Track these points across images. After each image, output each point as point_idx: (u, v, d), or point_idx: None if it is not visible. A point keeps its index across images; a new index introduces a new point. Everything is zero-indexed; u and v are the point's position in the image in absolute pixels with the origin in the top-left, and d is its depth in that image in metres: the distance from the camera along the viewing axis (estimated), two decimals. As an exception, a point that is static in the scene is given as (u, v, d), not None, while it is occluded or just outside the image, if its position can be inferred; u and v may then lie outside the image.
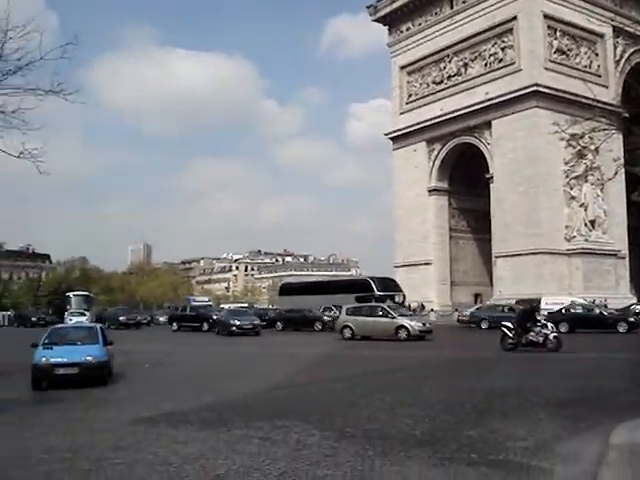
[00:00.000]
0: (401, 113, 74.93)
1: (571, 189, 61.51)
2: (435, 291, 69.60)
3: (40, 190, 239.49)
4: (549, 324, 24.50)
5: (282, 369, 19.95)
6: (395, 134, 74.96)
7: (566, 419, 10.55)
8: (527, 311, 25.66)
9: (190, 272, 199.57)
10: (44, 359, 15.51)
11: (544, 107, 59.49)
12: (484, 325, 42.47)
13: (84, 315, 53.35)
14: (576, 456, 8.21)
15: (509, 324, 24.83)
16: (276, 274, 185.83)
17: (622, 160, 35.99)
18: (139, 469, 7.82)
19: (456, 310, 56.63)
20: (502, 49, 63.89)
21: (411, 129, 72.24)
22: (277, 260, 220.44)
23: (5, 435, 10.36)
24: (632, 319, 37.03)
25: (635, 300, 55.27)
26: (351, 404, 12.54)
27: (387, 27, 77.71)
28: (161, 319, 66.78)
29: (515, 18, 62.34)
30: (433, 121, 69.36)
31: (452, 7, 68.93)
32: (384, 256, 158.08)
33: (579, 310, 38.86)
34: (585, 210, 61.79)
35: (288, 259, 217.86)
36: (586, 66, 64.31)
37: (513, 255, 60.80)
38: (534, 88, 59.81)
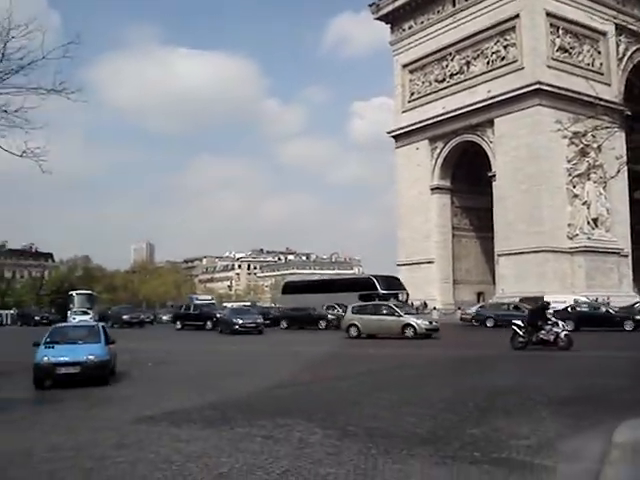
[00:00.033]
0: (403, 111, 74.88)
1: (574, 187, 61.43)
2: (438, 289, 69.57)
3: (43, 189, 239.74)
4: (560, 322, 24.16)
5: (286, 367, 19.93)
6: (397, 132, 74.91)
7: (569, 417, 10.56)
8: (538, 309, 25.33)
9: (193, 271, 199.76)
10: (46, 358, 15.48)
11: (547, 105, 59.42)
12: (489, 323, 42.45)
13: (87, 314, 53.36)
14: (579, 454, 8.21)
15: (520, 322, 24.60)
16: (278, 273, 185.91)
17: (625, 158, 36.05)
18: (141, 468, 7.83)
19: (459, 308, 56.65)
20: (504, 47, 63.81)
21: (413, 127, 72.19)
22: (279, 259, 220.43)
23: (7, 434, 10.37)
24: (639, 317, 36.91)
25: (638, 298, 55.21)
26: (354, 402, 12.54)
27: (389, 25, 77.64)
28: (164, 318, 66.86)
29: (517, 16, 62.24)
30: (435, 119, 69.29)
31: (454, 5, 68.87)
32: (387, 254, 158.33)
33: (585, 308, 38.83)
34: (588, 208, 61.72)
35: (290, 258, 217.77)
36: (589, 64, 64.24)
37: (516, 253, 60.74)
38: (537, 86, 59.73)
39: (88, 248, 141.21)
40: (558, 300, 44.42)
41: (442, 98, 69.43)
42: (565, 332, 23.69)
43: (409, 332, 31.98)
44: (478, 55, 66.32)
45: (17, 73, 17.36)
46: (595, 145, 51.93)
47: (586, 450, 8.32)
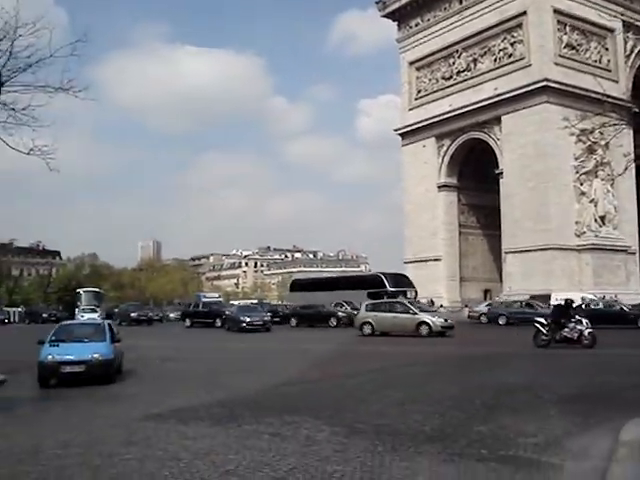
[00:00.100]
0: (410, 109, 74.74)
1: (581, 185, 61.22)
2: (444, 287, 69.46)
3: (50, 187, 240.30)
4: (584, 320, 23.74)
5: (294, 365, 19.95)
6: (404, 130, 74.76)
7: (576, 415, 10.54)
8: (561, 307, 24.96)
9: (200, 268, 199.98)
10: (50, 357, 15.46)
11: (554, 102, 59.23)
12: (502, 321, 42.30)
13: (95, 312, 53.57)
14: (586, 452, 8.20)
15: (542, 320, 24.32)
16: (285, 270, 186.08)
17: (632, 155, 35.95)
18: (149, 465, 7.87)
19: (466, 306, 56.57)
20: (511, 44, 63.60)
21: (420, 125, 72.06)
22: (286, 256, 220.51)
23: (16, 431, 10.42)
24: None
25: (646, 296, 55.02)
26: (361, 400, 12.56)
27: (396, 23, 77.45)
28: (171, 315, 66.92)
29: (525, 13, 62.03)
30: (442, 117, 69.13)
31: (461, 2, 68.65)
32: (393, 252, 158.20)
33: (599, 306, 38.79)
34: (595, 206, 61.51)
35: (297, 255, 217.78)
36: (596, 61, 63.99)
37: (523, 251, 60.59)
38: (544, 83, 59.54)
39: (95, 246, 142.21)
40: (565, 298, 44.43)
41: (449, 95, 69.26)
42: (589, 330, 23.28)
43: (424, 330, 31.68)
44: (485, 52, 66.13)
45: (25, 71, 17.41)
46: (603, 142, 51.85)
47: (593, 448, 8.31)
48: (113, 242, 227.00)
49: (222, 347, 30.08)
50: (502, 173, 63.73)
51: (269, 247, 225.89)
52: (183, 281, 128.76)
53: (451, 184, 71.24)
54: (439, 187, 70.97)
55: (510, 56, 63.67)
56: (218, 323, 46.18)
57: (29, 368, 16.17)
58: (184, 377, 17.89)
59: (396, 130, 76.42)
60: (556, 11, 61.55)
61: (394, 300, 39.56)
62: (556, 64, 61.21)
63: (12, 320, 68.31)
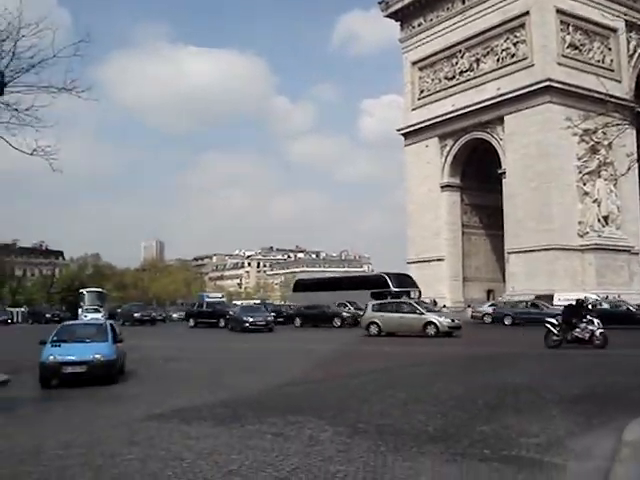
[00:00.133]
0: (413, 109, 74.83)
1: (584, 185, 61.26)
2: (447, 287, 69.53)
3: (52, 187, 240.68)
4: (595, 320, 23.45)
5: (297, 365, 19.93)
6: (407, 130, 74.84)
7: (579, 415, 10.53)
8: (573, 307, 24.61)
9: (202, 269, 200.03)
10: (52, 357, 15.39)
11: (557, 102, 59.25)
12: (507, 321, 42.24)
13: (99, 312, 53.70)
14: (589, 452, 8.19)
15: (554, 320, 24.09)
16: (288, 270, 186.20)
17: (635, 155, 35.86)
18: (152, 465, 7.86)
19: (469, 306, 56.56)
20: (514, 44, 63.64)
21: (423, 125, 72.16)
22: (289, 256, 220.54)
23: (17, 432, 10.41)
24: None
25: (649, 296, 54.99)
26: (364, 400, 12.54)
27: (399, 23, 77.58)
28: (174, 315, 67.06)
29: (527, 13, 62.09)
30: (445, 117, 69.22)
31: (464, 2, 68.73)
32: (396, 252, 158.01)
33: (606, 306, 38.75)
34: (598, 206, 61.55)
35: (300, 255, 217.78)
36: (599, 61, 64.04)
37: (526, 251, 60.62)
38: (547, 83, 59.57)
39: (98, 246, 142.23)
40: (568, 298, 44.41)
41: (452, 96, 69.34)
42: (600, 330, 23.02)
43: (431, 330, 31.57)
44: (488, 52, 66.18)
45: (28, 72, 17.37)
46: (606, 142, 51.81)
47: (596, 448, 8.30)
48: (116, 242, 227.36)
49: (225, 347, 30.08)
50: (505, 173, 63.78)
51: (272, 247, 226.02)
52: (186, 281, 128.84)
53: (454, 184, 71.29)
54: (442, 187, 71.04)
55: (513, 56, 63.73)
56: (222, 323, 46.13)
57: (31, 368, 16.12)
58: (187, 377, 17.90)
59: (399, 130, 76.51)
60: (559, 11, 61.60)
61: (401, 300, 39.53)
62: (559, 64, 61.27)
63: (15, 320, 68.39)
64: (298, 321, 46.77)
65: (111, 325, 18.13)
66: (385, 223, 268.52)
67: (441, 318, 33.06)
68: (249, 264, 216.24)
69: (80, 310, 56.98)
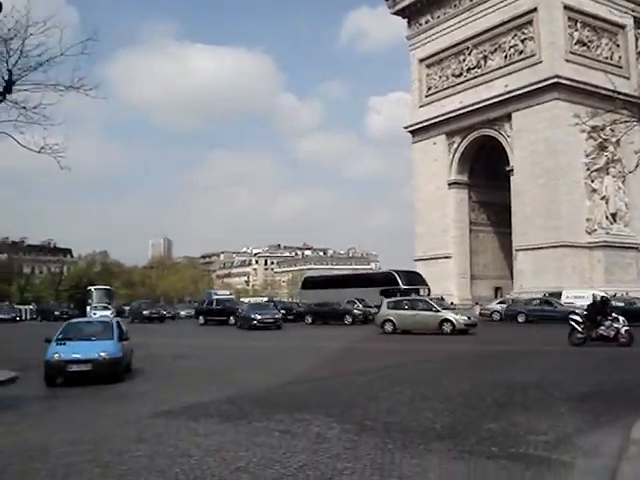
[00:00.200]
0: (420, 106, 74.64)
1: (592, 182, 61.03)
2: (455, 285, 69.36)
3: (61, 185, 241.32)
4: (621, 318, 23.21)
5: (306, 363, 19.87)
6: (415, 127, 74.67)
7: (587, 413, 10.51)
8: (597, 304, 24.43)
9: (210, 266, 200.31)
10: (57, 355, 15.35)
11: (565, 99, 59.05)
12: (521, 319, 41.94)
13: (108, 309, 53.90)
14: (597, 450, 8.18)
15: (578, 318, 23.77)
16: (296, 268, 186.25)
17: (644, 152, 35.69)
18: (160, 461, 7.89)
19: (477, 303, 56.42)
20: (522, 41, 63.43)
21: (431, 122, 71.95)
22: (296, 254, 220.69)
23: (25, 429, 10.46)
24: None
25: (657, 293, 54.76)
26: (372, 397, 12.55)
27: (406, 20, 77.36)
28: (182, 313, 67.08)
29: (535, 10, 61.84)
30: (453, 114, 69.00)
31: (471, -1, 68.57)
32: (403, 250, 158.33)
33: (620, 304, 38.61)
34: (606, 203, 61.31)
35: (307, 253, 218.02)
36: (607, 57, 63.79)
37: (534, 248, 60.44)
38: (555, 80, 59.35)
39: (106, 244, 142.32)
40: (577, 295, 44.32)
41: (459, 93, 69.14)
42: (626, 328, 22.76)
43: (447, 328, 31.38)
44: (495, 49, 65.98)
45: (35, 70, 17.43)
46: (614, 139, 51.51)
47: (604, 446, 8.29)
48: (124, 240, 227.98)
49: (233, 345, 30.08)
50: (512, 170, 63.57)
51: (279, 245, 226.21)
52: (194, 279, 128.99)
53: (461, 181, 71.11)
54: (449, 184, 70.86)
55: (521, 53, 63.51)
56: (232, 321, 45.96)
57: (38, 366, 16.11)
58: (194, 374, 17.91)
59: (406, 127, 76.35)
60: (566, 7, 61.35)
61: (416, 298, 39.43)
62: (567, 61, 61.03)
63: (24, 318, 68.58)
64: (309, 319, 46.52)
65: (117, 323, 18.06)
66: (393, 220, 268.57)
67: (457, 316, 32.89)
68: (256, 262, 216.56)
69: (88, 308, 57.17)
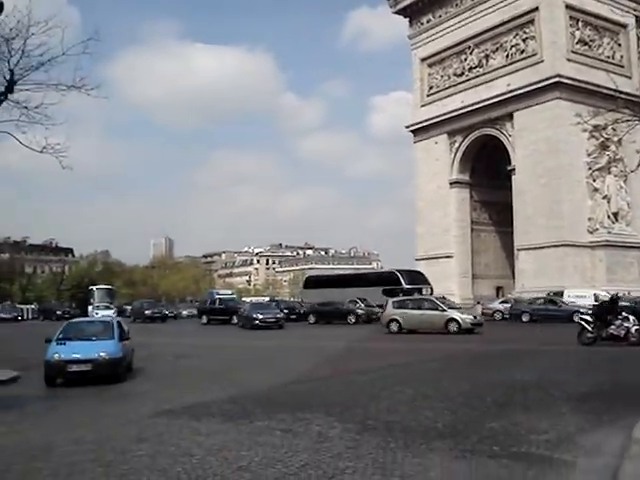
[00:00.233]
0: (422, 105, 74.57)
1: (594, 181, 60.97)
2: (456, 284, 69.24)
3: (62, 185, 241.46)
4: (631, 317, 23.08)
5: (308, 362, 19.82)
6: (416, 126, 74.59)
7: (589, 412, 10.51)
8: (607, 303, 24.38)
9: (212, 266, 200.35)
10: (56, 355, 15.32)
11: (566, 98, 58.99)
12: (525, 318, 41.88)
13: (110, 308, 54.01)
14: (598, 449, 8.19)
15: (587, 317, 23.66)
16: (297, 267, 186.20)
17: (645, 151, 35.65)
18: (162, 461, 7.90)
19: (478, 303, 56.41)
20: (524, 40, 63.36)
21: (432, 121, 71.85)
22: (298, 253, 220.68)
23: (27, 429, 10.48)
24: None
25: (659, 293, 54.72)
26: (373, 396, 12.55)
27: (408, 19, 77.27)
28: (184, 312, 67.08)
29: (537, 9, 61.76)
30: (454, 113, 68.90)
31: (473, -2, 68.50)
32: (405, 249, 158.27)
33: (625, 303, 38.64)
34: (608, 202, 61.24)
35: (309, 252, 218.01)
36: (609, 57, 63.71)
37: (535, 248, 60.37)
38: (556, 79, 59.30)
39: (108, 243, 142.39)
40: (578, 295, 44.30)
41: (461, 92, 69.07)
42: (636, 327, 22.61)
43: (453, 327, 31.38)
44: (497, 48, 65.93)
45: (37, 69, 17.46)
46: (615, 138, 51.45)
47: (606, 445, 8.29)
48: (126, 240, 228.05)
49: (235, 344, 30.12)
50: (514, 169, 63.49)
51: (281, 244, 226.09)
52: (195, 278, 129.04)
53: (463, 181, 71.02)
54: (451, 184, 70.78)
55: (522, 52, 63.44)
56: (234, 320, 45.91)
57: (39, 366, 16.09)
58: (196, 374, 17.93)
59: (408, 127, 76.26)
60: (568, 7, 61.30)
61: (422, 297, 39.43)
62: (568, 60, 60.97)
63: (25, 317, 68.66)
64: (312, 318, 46.32)
65: (118, 322, 18.05)
66: (394, 220, 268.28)
67: (463, 315, 32.91)
68: (258, 261, 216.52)
69: (90, 307, 57.25)
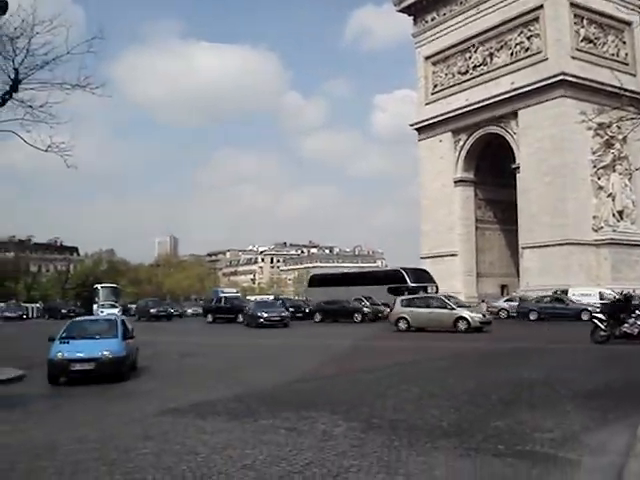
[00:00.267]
0: (426, 104, 74.45)
1: (599, 179, 60.83)
2: (461, 282, 69.13)
3: (67, 184, 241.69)
4: None
5: (313, 361, 19.79)
6: (420, 125, 74.46)
7: (594, 410, 10.48)
8: (621, 301, 24.18)
9: (216, 264, 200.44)
10: (60, 354, 15.29)
11: (571, 96, 58.85)
12: (532, 316, 41.85)
13: (115, 307, 54.05)
14: (604, 447, 8.17)
15: (601, 315, 23.53)
16: (302, 266, 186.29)
17: (650, 149, 35.68)
18: (167, 459, 7.90)
19: (483, 301, 56.36)
20: (528, 38, 63.22)
21: (436, 120, 71.73)
22: (302, 252, 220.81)
23: (31, 427, 10.49)
24: None
25: (664, 291, 54.59)
26: (378, 395, 12.54)
27: (412, 17, 77.10)
28: (189, 311, 67.15)
29: (541, 7, 61.59)
30: (459, 111, 68.79)
31: (477, -4, 68.36)
32: (409, 247, 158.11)
33: (635, 302, 38.57)
34: (613, 200, 61.09)
35: (313, 251, 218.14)
36: (613, 54, 63.54)
37: (540, 246, 60.27)
38: (561, 77, 59.17)
39: (113, 242, 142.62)
40: (583, 293, 44.24)
41: (465, 90, 68.94)
42: None
43: (462, 325, 31.25)
44: (502, 46, 65.78)
45: (42, 68, 17.49)
46: (620, 136, 51.44)
47: (611, 443, 8.27)
48: (130, 238, 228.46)
49: (240, 342, 30.11)
50: (519, 168, 63.36)
51: (285, 243, 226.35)
52: (200, 277, 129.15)
53: (468, 179, 70.90)
54: (455, 182, 70.64)
55: (527, 50, 63.29)
56: (240, 318, 45.89)
57: (43, 364, 16.05)
58: (202, 372, 17.92)
59: (412, 125, 76.13)
60: (573, 4, 61.14)
61: (431, 295, 39.37)
62: (573, 58, 60.79)
63: (30, 316, 68.78)
64: (318, 316, 46.32)
65: (122, 321, 17.99)
66: (398, 218, 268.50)
67: (472, 313, 32.83)
68: (262, 260, 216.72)
69: (95, 306, 57.28)
